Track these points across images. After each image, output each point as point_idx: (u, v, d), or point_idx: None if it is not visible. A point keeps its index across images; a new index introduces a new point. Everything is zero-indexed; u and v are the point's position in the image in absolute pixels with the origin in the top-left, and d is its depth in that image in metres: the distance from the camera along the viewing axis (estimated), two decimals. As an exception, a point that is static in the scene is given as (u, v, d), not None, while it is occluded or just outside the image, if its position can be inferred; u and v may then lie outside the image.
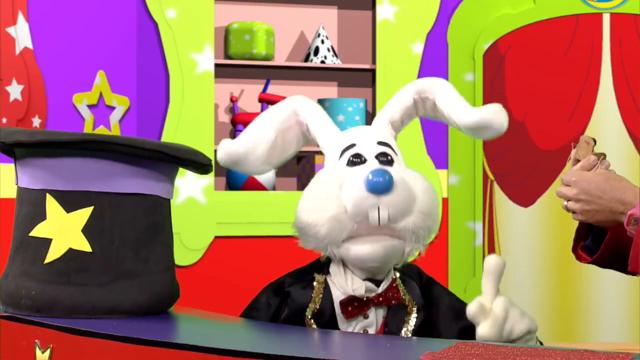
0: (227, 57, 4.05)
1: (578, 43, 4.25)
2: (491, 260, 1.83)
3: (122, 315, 1.79)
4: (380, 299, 1.96)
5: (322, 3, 4.23)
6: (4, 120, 3.66)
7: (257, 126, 2.08)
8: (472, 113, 2.01)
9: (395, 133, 2.09)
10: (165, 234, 1.91)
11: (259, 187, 3.94)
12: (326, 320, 1.96)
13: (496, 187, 4.26)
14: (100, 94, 3.78)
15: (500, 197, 4.26)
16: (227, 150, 2.06)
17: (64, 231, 1.78)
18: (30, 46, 3.73)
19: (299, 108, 2.08)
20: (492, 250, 4.26)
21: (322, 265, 2.03)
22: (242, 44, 3.99)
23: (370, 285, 1.96)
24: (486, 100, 4.23)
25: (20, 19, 3.71)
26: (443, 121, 2.11)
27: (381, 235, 1.91)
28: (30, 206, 1.82)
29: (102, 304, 1.77)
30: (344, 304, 1.95)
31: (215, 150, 3.79)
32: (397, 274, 2.01)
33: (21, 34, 3.71)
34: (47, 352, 1.70)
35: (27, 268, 1.80)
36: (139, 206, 1.84)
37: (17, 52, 3.71)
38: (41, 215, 1.80)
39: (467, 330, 1.94)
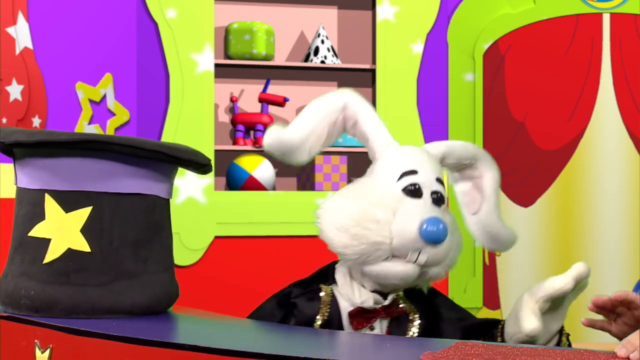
0: (227, 57, 4.05)
1: (578, 43, 4.25)
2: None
3: (122, 315, 1.79)
4: (386, 310, 1.96)
5: (322, 3, 4.23)
6: (4, 120, 3.66)
7: (312, 117, 2.03)
8: (504, 226, 2.09)
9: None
10: (165, 234, 1.91)
11: (259, 187, 3.94)
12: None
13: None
14: (105, 96, 3.77)
15: (500, 197, 4.26)
16: (280, 138, 2.00)
17: (63, 231, 1.78)
18: (30, 46, 3.74)
19: (349, 103, 2.03)
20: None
21: (326, 275, 2.02)
22: (242, 44, 3.99)
23: (378, 297, 1.96)
24: (486, 100, 4.22)
25: (20, 19, 3.71)
26: (464, 195, 2.11)
27: (409, 263, 1.91)
28: (30, 206, 1.82)
29: (101, 304, 1.77)
30: (352, 315, 1.95)
31: (216, 151, 3.83)
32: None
33: (21, 34, 3.71)
34: (47, 352, 1.69)
35: (26, 268, 1.80)
36: (139, 206, 1.84)
37: (17, 52, 3.71)
38: (40, 215, 1.80)
39: (470, 330, 1.97)
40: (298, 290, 2.02)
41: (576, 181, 4.27)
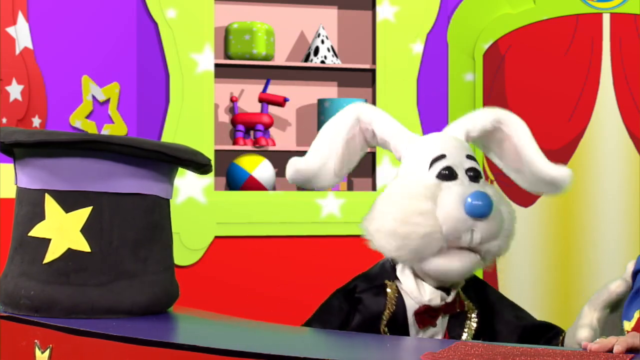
0: (227, 57, 4.05)
1: (578, 43, 4.25)
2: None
3: (121, 315, 1.79)
4: (449, 307, 1.97)
5: (322, 3, 4.22)
6: (4, 120, 3.66)
7: (324, 140, 2.04)
8: (552, 166, 2.06)
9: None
10: (165, 234, 1.91)
11: (259, 187, 3.94)
12: (398, 329, 1.96)
13: (496, 187, 4.25)
14: (93, 98, 3.77)
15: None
16: (299, 168, 2.02)
17: (63, 231, 1.78)
18: (30, 46, 3.73)
19: (361, 115, 2.04)
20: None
21: (389, 271, 2.02)
22: (242, 44, 3.99)
23: (443, 294, 1.96)
24: (486, 100, 4.22)
25: (20, 19, 3.71)
26: (501, 159, 2.11)
27: (465, 251, 1.92)
28: (30, 206, 1.82)
29: (101, 304, 1.77)
30: (419, 314, 1.95)
31: (216, 151, 3.83)
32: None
33: (21, 34, 3.70)
34: (47, 352, 1.70)
35: (26, 268, 1.80)
36: (138, 206, 1.84)
37: (17, 52, 3.71)
38: (40, 215, 1.80)
39: (527, 333, 1.97)
40: (363, 285, 2.01)
41: (576, 181, 4.25)
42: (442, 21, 4.13)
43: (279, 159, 4.09)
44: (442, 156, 1.96)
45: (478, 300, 2.01)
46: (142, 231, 1.84)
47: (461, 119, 2.09)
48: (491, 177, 4.23)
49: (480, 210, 1.87)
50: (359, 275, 2.06)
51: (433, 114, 4.11)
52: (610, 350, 1.50)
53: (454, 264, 1.91)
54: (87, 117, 3.77)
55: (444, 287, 1.97)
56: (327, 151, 2.01)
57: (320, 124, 4.11)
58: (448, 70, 4.15)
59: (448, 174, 1.94)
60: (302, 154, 4.37)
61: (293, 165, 2.02)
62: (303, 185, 2.05)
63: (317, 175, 2.01)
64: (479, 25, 4.23)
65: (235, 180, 3.96)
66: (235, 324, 1.94)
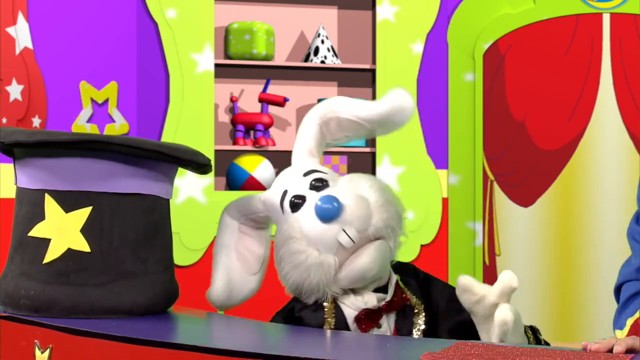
0: (227, 57, 4.05)
1: (578, 43, 4.25)
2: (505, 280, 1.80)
3: (121, 315, 1.79)
4: (390, 305, 1.96)
5: (322, 3, 4.23)
6: (4, 120, 3.66)
7: (217, 258, 2.11)
8: (381, 103, 2.00)
9: (319, 157, 2.09)
10: (165, 234, 1.91)
11: (259, 187, 3.94)
12: None
13: (496, 187, 4.25)
14: (107, 101, 3.77)
15: (500, 197, 4.26)
16: (212, 299, 2.07)
17: (62, 231, 1.78)
18: (30, 46, 3.74)
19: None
20: (492, 250, 4.26)
21: None
22: (242, 44, 3.99)
23: (380, 295, 1.96)
24: (486, 100, 4.23)
25: (20, 19, 3.71)
26: (350, 135, 2.08)
27: (362, 245, 1.91)
28: (30, 206, 1.82)
29: (100, 304, 1.77)
30: (358, 319, 1.95)
31: (216, 151, 3.83)
32: (397, 277, 2.01)
33: (21, 34, 3.71)
34: (47, 352, 1.70)
35: (26, 268, 1.80)
36: (138, 206, 1.84)
37: (17, 52, 3.71)
38: (40, 215, 1.80)
39: (462, 325, 1.94)
40: (300, 303, 2.01)
41: (576, 181, 4.27)
42: (442, 21, 4.13)
43: (279, 159, 4.09)
44: (285, 192, 2.00)
45: (423, 293, 2.00)
46: (142, 231, 1.84)
47: (296, 142, 2.11)
48: (491, 177, 4.23)
49: (331, 212, 1.88)
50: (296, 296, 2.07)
51: (433, 114, 4.12)
52: (610, 351, 1.50)
53: (360, 262, 1.90)
54: (89, 120, 3.77)
55: (379, 287, 1.96)
56: (223, 271, 2.09)
57: (320, 124, 4.10)
58: (448, 70, 4.15)
59: (298, 202, 1.96)
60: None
61: (209, 298, 2.07)
62: (225, 305, 2.08)
63: (230, 296, 2.06)
64: (479, 25, 4.23)
65: (235, 180, 3.96)
66: (235, 324, 1.94)
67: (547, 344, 1.90)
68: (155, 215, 1.87)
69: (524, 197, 4.29)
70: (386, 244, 1.93)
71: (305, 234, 1.91)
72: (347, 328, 1.95)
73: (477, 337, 1.87)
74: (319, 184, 1.97)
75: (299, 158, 2.09)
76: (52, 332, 1.71)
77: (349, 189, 1.94)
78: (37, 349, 1.72)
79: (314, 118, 2.08)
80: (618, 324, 1.74)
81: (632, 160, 4.24)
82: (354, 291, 1.96)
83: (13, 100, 3.69)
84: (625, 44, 4.24)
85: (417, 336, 1.95)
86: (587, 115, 4.26)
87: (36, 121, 3.71)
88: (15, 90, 3.69)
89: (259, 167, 3.95)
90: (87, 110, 3.75)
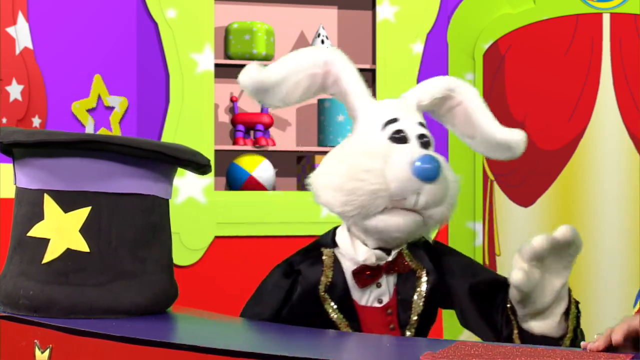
0: (227, 57, 4.05)
1: (578, 43, 4.25)
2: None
3: (120, 315, 1.79)
4: (391, 266, 1.96)
5: (322, 3, 4.23)
6: (4, 120, 3.66)
7: (290, 61, 1.99)
8: (504, 130, 2.08)
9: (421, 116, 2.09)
10: (164, 234, 1.91)
11: (259, 187, 3.94)
12: (340, 293, 1.96)
13: (496, 187, 4.25)
14: (99, 97, 3.78)
15: (500, 197, 4.26)
16: (256, 76, 1.94)
17: (61, 231, 1.78)
18: (30, 46, 3.74)
19: (334, 60, 2.02)
20: (492, 250, 4.26)
21: (327, 239, 2.02)
22: (242, 44, 3.99)
23: (380, 253, 1.96)
24: (486, 100, 4.22)
25: (20, 19, 3.71)
26: (454, 126, 2.13)
27: (408, 211, 1.91)
28: (29, 206, 1.82)
29: (99, 304, 1.77)
30: (356, 273, 1.95)
31: (216, 151, 3.83)
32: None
33: (21, 34, 3.71)
34: (47, 352, 1.70)
35: (25, 268, 1.80)
36: (137, 206, 1.84)
37: (17, 52, 3.71)
38: (39, 215, 1.80)
39: (477, 287, 1.96)
40: (300, 257, 2.02)
41: (576, 181, 4.27)
42: (442, 21, 4.13)
43: (279, 159, 4.09)
44: (395, 119, 1.98)
45: (433, 262, 2.00)
46: (141, 231, 1.84)
47: (413, 88, 2.12)
48: (491, 177, 4.24)
49: (428, 173, 1.87)
50: (297, 251, 2.06)
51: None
52: (610, 344, 1.50)
53: (395, 221, 1.90)
54: (88, 110, 3.77)
55: (385, 247, 1.96)
56: (286, 72, 1.97)
57: (320, 124, 4.11)
58: (448, 70, 4.15)
59: (399, 137, 1.95)
60: (302, 154, 4.38)
61: (251, 71, 1.95)
62: (250, 93, 1.98)
63: (269, 90, 1.95)
64: (479, 25, 4.23)
65: (235, 180, 3.96)
66: (235, 324, 1.94)
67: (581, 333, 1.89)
68: (154, 215, 1.87)
69: (524, 197, 4.29)
70: (424, 229, 1.95)
71: (391, 168, 1.88)
72: (344, 282, 1.95)
73: (495, 298, 1.92)
74: (426, 141, 1.98)
75: (411, 102, 2.06)
76: (52, 332, 1.71)
77: (444, 167, 1.94)
78: (37, 349, 1.72)
79: (443, 84, 2.11)
80: (636, 302, 1.72)
81: (632, 160, 4.24)
82: (356, 242, 1.96)
83: (13, 100, 3.69)
84: (625, 44, 4.24)
85: (416, 299, 1.96)
86: (587, 115, 4.26)
87: (36, 121, 3.71)
88: (15, 90, 3.69)
89: (259, 167, 3.95)
90: (91, 100, 3.76)
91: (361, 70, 4.43)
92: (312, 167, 4.01)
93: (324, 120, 4.07)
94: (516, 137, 2.11)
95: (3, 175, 3.46)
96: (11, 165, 1.91)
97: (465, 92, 2.10)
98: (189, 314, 1.98)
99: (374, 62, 4.10)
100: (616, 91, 4.25)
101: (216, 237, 3.85)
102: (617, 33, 4.25)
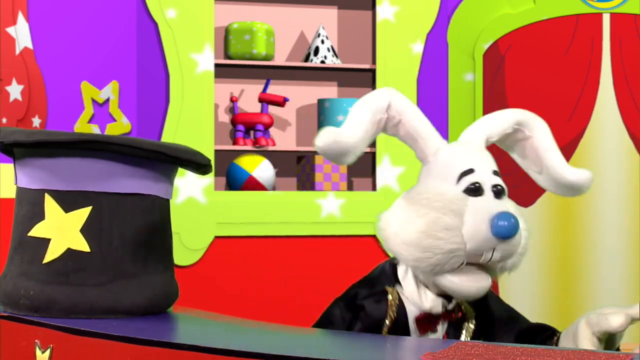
0: (227, 57, 4.05)
1: (578, 43, 4.25)
2: None
3: (121, 315, 1.79)
4: (449, 314, 1.97)
5: (322, 3, 4.23)
6: (4, 120, 3.66)
7: (363, 118, 1.94)
8: (572, 170, 2.06)
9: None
10: (165, 234, 1.91)
11: (259, 187, 3.94)
12: (400, 335, 1.95)
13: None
14: (92, 102, 3.77)
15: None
16: (338, 140, 1.88)
17: (62, 231, 1.78)
18: (30, 46, 3.73)
19: (394, 102, 1.96)
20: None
21: (389, 276, 2.01)
22: (242, 44, 3.99)
23: (444, 302, 1.96)
24: (486, 100, 4.22)
25: (20, 19, 3.71)
26: (520, 158, 2.11)
27: (481, 272, 1.91)
28: (29, 206, 1.82)
29: (100, 304, 1.77)
30: (419, 320, 1.95)
31: (216, 151, 3.83)
32: None
33: (21, 34, 3.70)
34: (47, 352, 1.70)
35: (25, 268, 1.80)
36: (138, 206, 1.84)
37: (17, 52, 3.71)
38: (40, 215, 1.80)
39: (523, 334, 1.98)
40: (364, 291, 2.00)
41: (576, 181, 4.27)
42: (442, 21, 4.12)
43: (279, 159, 4.09)
44: (471, 170, 1.94)
45: (475, 304, 2.01)
46: (141, 231, 1.84)
47: (480, 122, 2.07)
48: (491, 177, 4.23)
49: (506, 232, 1.86)
50: (359, 282, 2.05)
51: (433, 114, 4.09)
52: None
53: (470, 285, 1.90)
54: (89, 121, 3.78)
55: (445, 294, 1.96)
56: (366, 130, 1.92)
57: (320, 124, 4.11)
58: (448, 70, 4.15)
59: (475, 189, 1.92)
60: (302, 154, 4.37)
61: (333, 135, 1.89)
62: (332, 158, 1.92)
63: (351, 152, 1.91)
64: (479, 25, 4.23)
65: (235, 180, 3.96)
66: (235, 324, 1.94)
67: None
68: (154, 215, 1.87)
69: (524, 197, 4.28)
70: (497, 276, 1.96)
71: (468, 226, 1.86)
72: (406, 325, 1.95)
73: (542, 342, 1.95)
74: (499, 191, 1.96)
75: (480, 142, 2.03)
76: (52, 332, 1.71)
77: (517, 214, 1.92)
78: (37, 349, 1.71)
79: (512, 118, 2.08)
80: None
81: (632, 160, 4.24)
82: (421, 287, 1.96)
83: (13, 100, 3.69)
84: (625, 44, 4.24)
85: (465, 339, 1.97)
86: (587, 115, 4.26)
87: (36, 121, 3.71)
88: (15, 90, 3.69)
89: (259, 167, 3.95)
90: (87, 112, 3.75)
91: (361, 70, 4.44)
92: (312, 167, 4.01)
93: (324, 120, 4.07)
94: (584, 178, 2.07)
95: (3, 175, 3.46)
96: (11, 165, 1.91)
97: (536, 127, 2.09)
98: (189, 314, 1.98)
99: (374, 62, 4.10)
100: (616, 91, 4.25)
101: (216, 237, 3.85)
102: (617, 33, 4.25)
